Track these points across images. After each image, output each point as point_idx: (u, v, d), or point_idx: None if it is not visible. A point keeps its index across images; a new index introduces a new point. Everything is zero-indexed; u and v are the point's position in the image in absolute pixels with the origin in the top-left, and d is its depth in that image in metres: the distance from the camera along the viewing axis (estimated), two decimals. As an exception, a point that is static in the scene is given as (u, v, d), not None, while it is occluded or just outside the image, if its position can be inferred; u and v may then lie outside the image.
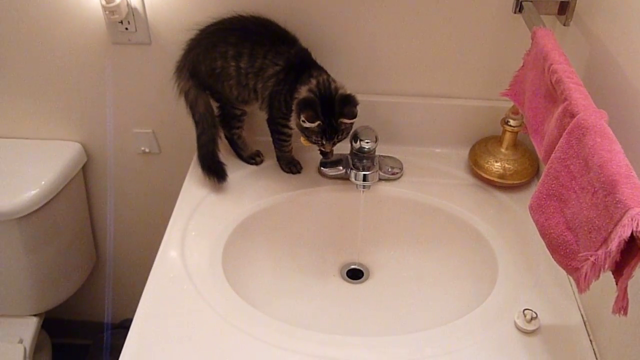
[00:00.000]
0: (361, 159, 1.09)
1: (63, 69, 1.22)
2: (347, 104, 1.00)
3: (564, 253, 0.74)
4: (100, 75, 1.22)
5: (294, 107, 1.01)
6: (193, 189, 1.13)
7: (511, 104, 1.11)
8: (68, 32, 1.16)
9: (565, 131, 0.74)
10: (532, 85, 0.92)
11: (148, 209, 1.43)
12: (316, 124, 0.99)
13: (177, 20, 1.13)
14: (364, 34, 1.13)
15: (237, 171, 1.17)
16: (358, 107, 1.01)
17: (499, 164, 1.11)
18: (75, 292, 1.47)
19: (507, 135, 1.11)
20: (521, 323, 0.88)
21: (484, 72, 1.15)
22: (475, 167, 1.14)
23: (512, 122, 1.09)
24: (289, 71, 1.03)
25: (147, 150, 1.31)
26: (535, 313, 0.89)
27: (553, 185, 0.76)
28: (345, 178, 1.13)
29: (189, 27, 1.07)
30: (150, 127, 1.29)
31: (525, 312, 0.89)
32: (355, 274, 1.15)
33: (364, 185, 1.08)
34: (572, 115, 0.75)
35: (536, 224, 0.79)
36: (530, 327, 0.88)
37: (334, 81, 1.02)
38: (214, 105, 1.14)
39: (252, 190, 1.13)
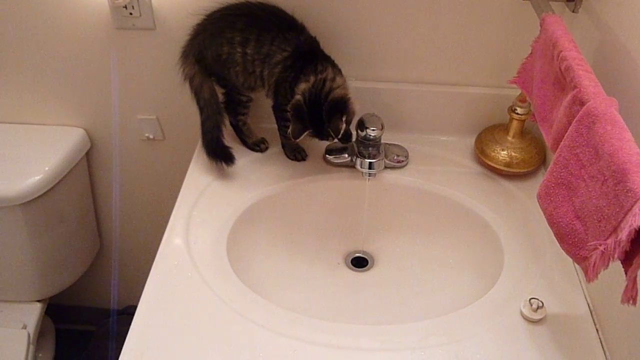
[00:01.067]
0: (367, 147, 1.08)
1: (66, 55, 1.21)
2: (333, 115, 0.99)
3: (572, 242, 0.73)
4: (104, 60, 1.21)
5: (291, 103, 1.01)
6: (197, 176, 1.12)
7: (518, 91, 1.10)
8: (71, 17, 1.15)
9: (575, 119, 0.73)
10: (540, 72, 0.91)
11: (152, 195, 1.43)
12: (305, 134, 1.00)
13: (182, 5, 1.12)
14: (370, 21, 1.11)
15: (241, 158, 1.16)
16: (355, 106, 1.01)
17: (505, 152, 1.10)
18: (78, 278, 1.47)
19: (514, 124, 1.10)
20: (527, 312, 0.88)
21: (491, 60, 1.14)
22: (481, 155, 1.13)
23: (519, 110, 1.08)
24: (297, 59, 1.02)
25: (151, 136, 1.31)
26: (542, 302, 0.88)
27: (562, 174, 0.75)
28: (350, 166, 1.13)
29: (194, 12, 1.06)
30: (154, 113, 1.28)
31: (532, 300, 0.88)
32: (359, 262, 1.15)
33: (369, 173, 1.07)
34: (582, 103, 0.74)
35: (544, 213, 0.79)
36: (537, 316, 0.87)
37: (332, 79, 1.00)
38: (220, 91, 1.13)
39: (256, 177, 1.13)
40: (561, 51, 0.82)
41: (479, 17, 1.09)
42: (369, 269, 1.14)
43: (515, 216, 1.05)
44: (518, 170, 1.10)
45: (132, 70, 1.22)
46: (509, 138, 1.11)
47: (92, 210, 1.46)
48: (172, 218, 1.04)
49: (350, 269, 1.14)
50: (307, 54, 1.03)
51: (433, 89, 1.17)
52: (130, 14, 1.12)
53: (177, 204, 1.06)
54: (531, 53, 0.96)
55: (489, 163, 1.11)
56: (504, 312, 0.89)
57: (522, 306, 0.89)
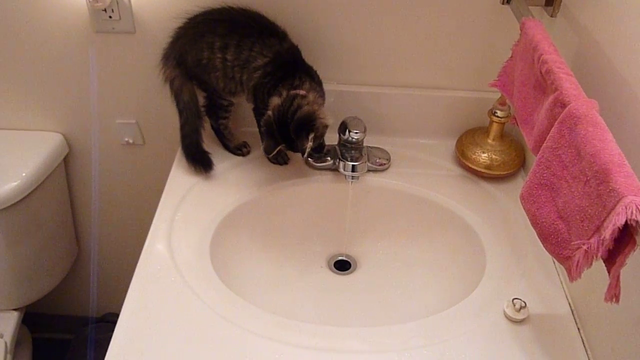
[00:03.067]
0: (349, 150, 1.08)
1: (44, 58, 1.19)
2: (299, 134, 0.99)
3: (556, 242, 0.74)
4: (83, 64, 1.19)
5: (263, 120, 1.02)
6: (179, 180, 1.11)
7: (498, 95, 1.12)
8: (50, 19, 1.13)
9: (557, 121, 0.75)
10: (521, 75, 0.92)
11: (132, 200, 1.41)
12: (277, 149, 1.01)
13: (163, 9, 1.11)
14: (351, 25, 1.12)
15: (223, 162, 1.15)
16: (327, 120, 1.01)
17: (485, 154, 1.11)
18: (56, 285, 1.44)
19: (494, 126, 1.11)
20: (510, 312, 0.89)
21: (471, 63, 1.15)
22: (462, 158, 1.14)
23: (499, 113, 1.09)
24: (277, 67, 1.02)
25: (130, 141, 1.29)
26: (524, 302, 0.89)
27: (544, 175, 0.76)
28: (332, 169, 1.13)
29: (175, 16, 1.05)
30: (134, 117, 1.27)
31: (515, 301, 0.89)
32: (342, 265, 1.15)
33: (352, 176, 1.07)
34: (563, 105, 0.75)
35: (527, 214, 0.80)
36: (519, 316, 0.88)
37: (304, 96, 0.99)
38: (201, 94, 1.13)
39: (238, 181, 1.12)
40: (542, 54, 0.84)
41: (459, 21, 1.10)
42: (352, 272, 1.14)
43: (497, 218, 1.06)
44: (499, 173, 1.11)
45: (112, 74, 1.20)
46: (489, 141, 1.13)
47: (70, 217, 1.44)
48: (154, 222, 1.03)
49: (334, 272, 1.14)
50: (288, 63, 1.03)
51: (414, 92, 1.18)
52: (110, 17, 1.11)
53: (159, 208, 1.05)
54: (511, 56, 0.97)
55: (470, 165, 1.13)
56: (487, 312, 0.90)
57: (505, 306, 0.90)
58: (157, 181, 1.34)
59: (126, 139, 1.29)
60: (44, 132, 1.30)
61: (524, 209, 0.81)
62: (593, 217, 0.66)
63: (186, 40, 1.05)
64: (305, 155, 1.00)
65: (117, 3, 1.09)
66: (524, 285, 0.95)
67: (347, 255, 1.16)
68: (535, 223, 0.78)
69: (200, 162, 1.12)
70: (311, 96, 1.00)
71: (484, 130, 1.14)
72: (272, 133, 1.00)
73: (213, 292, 0.91)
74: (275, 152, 1.02)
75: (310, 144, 0.99)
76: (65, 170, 1.36)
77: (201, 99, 1.13)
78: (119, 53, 1.17)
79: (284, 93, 0.99)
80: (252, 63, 1.02)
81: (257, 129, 1.14)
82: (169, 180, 1.11)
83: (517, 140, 1.15)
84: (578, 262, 0.68)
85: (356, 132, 1.05)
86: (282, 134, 0.99)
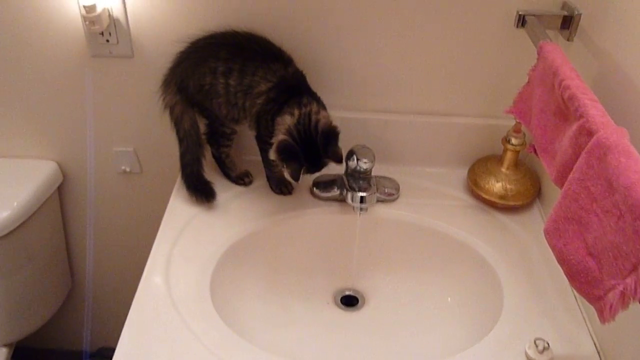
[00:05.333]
0: (357, 180, 1.03)
1: (38, 83, 1.14)
2: (329, 143, 0.94)
3: (585, 280, 0.68)
4: (79, 89, 1.14)
5: (274, 144, 0.95)
6: (178, 211, 1.06)
7: (512, 121, 1.07)
8: (45, 43, 1.09)
9: (584, 150, 0.69)
10: (539, 102, 0.87)
11: (128, 231, 1.35)
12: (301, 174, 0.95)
13: (162, 33, 1.07)
14: (357, 49, 1.08)
15: (225, 192, 1.10)
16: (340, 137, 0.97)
17: (500, 184, 1.06)
18: (48, 320, 1.38)
19: (509, 155, 1.06)
20: (533, 354, 0.82)
21: (484, 89, 1.11)
22: (475, 187, 1.09)
23: (514, 141, 1.04)
24: (281, 92, 0.97)
25: (127, 169, 1.24)
26: (547, 343, 0.83)
27: (572, 208, 0.71)
28: (339, 200, 1.08)
29: (175, 40, 1.01)
30: (132, 145, 1.22)
31: (537, 341, 0.83)
32: (349, 301, 1.09)
33: (361, 208, 1.02)
34: (590, 134, 0.70)
35: (553, 250, 0.74)
36: (543, 358, 0.82)
37: (317, 112, 0.95)
38: (202, 122, 1.08)
39: (240, 212, 1.07)
40: (563, 80, 0.79)
41: (471, 46, 1.06)
42: (359, 308, 1.08)
43: (513, 251, 1.01)
44: (513, 203, 1.06)
45: (109, 99, 1.16)
46: (503, 170, 1.08)
47: (63, 248, 1.38)
48: (151, 256, 0.97)
49: (340, 308, 1.08)
50: (292, 88, 0.98)
51: (423, 119, 1.13)
52: (107, 40, 1.07)
53: (156, 240, 1.00)
54: (528, 82, 0.93)
55: (483, 195, 1.07)
56: (507, 354, 0.84)
57: (527, 347, 0.84)
58: (155, 211, 1.30)
59: (123, 168, 1.24)
60: (38, 159, 1.25)
61: (549, 244, 0.75)
62: (629, 254, 0.60)
63: (188, 65, 1.01)
64: (343, 161, 0.96)
65: (115, 26, 1.05)
66: (546, 323, 0.89)
67: (354, 290, 1.10)
68: (562, 260, 0.72)
69: (202, 192, 1.07)
70: (324, 113, 0.96)
71: (498, 159, 1.09)
72: (293, 155, 0.94)
73: (212, 332, 0.85)
74: (302, 176, 0.95)
75: (340, 150, 0.95)
76: (59, 200, 1.30)
77: (202, 126, 1.09)
78: (117, 78, 1.12)
79: (296, 112, 0.94)
80: (255, 88, 0.98)
81: (259, 158, 1.09)
82: (167, 210, 1.06)
83: (532, 169, 1.10)
84: (612, 304, 0.62)
85: (365, 162, 1.00)
86: (307, 152, 0.94)
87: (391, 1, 1.02)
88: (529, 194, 1.07)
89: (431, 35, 1.05)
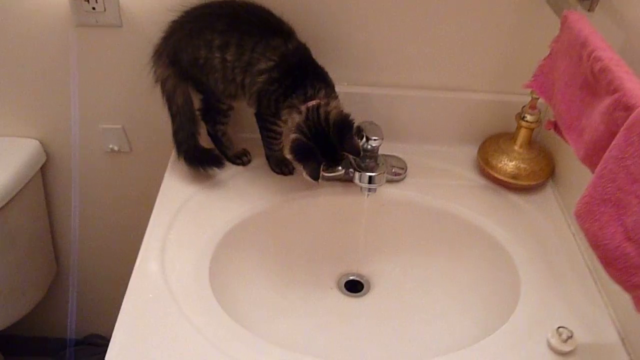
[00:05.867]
0: (363, 159, 0.97)
1: (18, 55, 1.06)
2: (345, 136, 0.89)
3: (622, 267, 0.63)
4: (62, 62, 1.06)
5: (288, 145, 0.91)
6: (172, 192, 0.99)
7: (526, 97, 1.02)
8: (23, 11, 1.00)
9: (623, 127, 0.64)
10: (564, 75, 0.82)
11: (116, 214, 1.28)
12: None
13: (153, 0, 0.98)
14: (361, 19, 1.01)
15: (222, 172, 1.03)
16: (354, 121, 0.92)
17: (513, 163, 1.01)
18: (34, 307, 1.30)
19: (523, 132, 1.01)
20: (556, 343, 0.78)
21: (495, 63, 1.04)
22: (486, 166, 1.03)
23: (529, 118, 0.99)
24: (284, 73, 0.91)
25: (115, 148, 1.16)
26: (571, 332, 0.79)
27: (608, 189, 0.65)
28: (344, 180, 1.01)
29: (169, 8, 0.93)
30: (120, 122, 1.14)
31: (560, 330, 0.79)
32: (354, 286, 1.04)
33: (369, 189, 0.95)
34: (627, 109, 0.64)
35: (586, 233, 0.69)
36: (567, 348, 0.78)
37: (326, 104, 0.90)
38: (196, 97, 1.01)
39: (239, 193, 1.00)
40: (593, 51, 0.73)
41: (483, 17, 0.99)
42: (364, 294, 1.02)
43: (528, 233, 0.96)
44: (528, 183, 1.01)
45: (95, 73, 1.08)
46: (516, 148, 1.02)
47: (47, 232, 1.30)
48: (145, 240, 0.90)
49: (345, 294, 1.02)
50: (296, 67, 0.92)
51: (431, 94, 1.07)
52: (93, 8, 0.98)
53: (150, 224, 0.93)
54: (550, 54, 0.87)
55: (495, 175, 1.02)
56: (528, 343, 0.79)
57: (549, 336, 0.79)
58: (145, 193, 1.23)
59: (111, 146, 1.16)
60: (18, 138, 1.17)
61: (582, 227, 0.70)
62: (677, 240, 0.55)
63: (181, 36, 0.94)
64: (361, 154, 0.92)
65: (102, -8, 0.97)
66: (566, 310, 0.84)
67: (358, 275, 1.05)
68: (596, 245, 0.67)
69: (207, 162, 1.01)
70: (333, 103, 0.90)
71: (510, 137, 1.04)
72: (308, 153, 0.89)
73: (213, 322, 0.79)
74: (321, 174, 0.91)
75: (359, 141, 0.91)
76: (42, 181, 1.22)
77: (196, 102, 1.01)
78: (104, 50, 1.04)
79: (302, 108, 0.89)
80: (255, 66, 0.91)
81: (257, 136, 1.03)
82: (160, 192, 0.99)
83: (545, 147, 1.05)
84: (655, 293, 0.58)
85: (375, 139, 0.94)
86: (322, 148, 0.89)
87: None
88: (543, 174, 1.02)
89: (440, 5, 0.99)
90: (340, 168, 1.00)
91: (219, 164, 1.02)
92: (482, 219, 0.98)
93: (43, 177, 1.22)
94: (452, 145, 1.11)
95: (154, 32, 0.97)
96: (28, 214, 1.21)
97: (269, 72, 0.91)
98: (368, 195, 0.96)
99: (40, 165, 1.18)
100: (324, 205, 1.02)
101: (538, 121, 0.99)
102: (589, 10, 0.92)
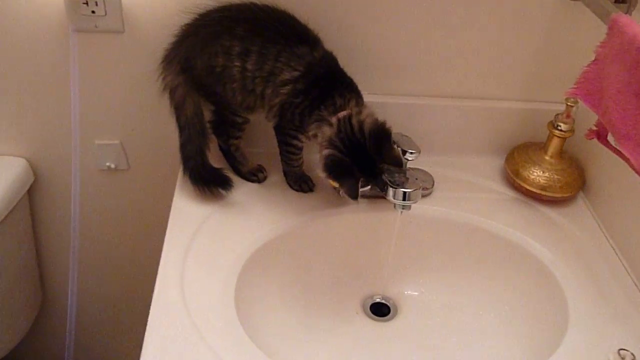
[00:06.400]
0: (392, 173, 0.90)
1: (6, 63, 0.95)
2: (382, 145, 0.82)
3: None
4: (56, 71, 0.96)
5: (320, 162, 0.83)
6: (185, 215, 0.90)
7: (555, 106, 0.98)
8: (14, 14, 0.90)
9: None
10: (616, 82, 0.77)
11: (113, 238, 1.17)
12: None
13: (161, 3, 0.90)
14: (381, 25, 0.95)
15: (236, 189, 0.95)
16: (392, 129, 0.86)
17: (545, 174, 0.96)
18: (20, 340, 1.18)
19: (555, 142, 0.96)
20: (620, 368, 0.73)
21: (522, 70, 1.00)
22: (516, 178, 0.98)
23: (563, 127, 0.94)
24: (310, 83, 0.84)
25: (112, 166, 1.06)
26: (633, 354, 0.74)
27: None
28: (367, 196, 0.94)
29: (181, 9, 0.85)
30: (117, 137, 1.04)
31: (622, 353, 0.74)
32: (380, 309, 0.97)
33: (403, 206, 0.88)
34: None
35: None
36: (630, 373, 0.73)
37: (358, 113, 0.83)
38: (208, 108, 0.93)
39: (258, 214, 0.92)
40: (655, 55, 0.69)
41: (511, 20, 0.95)
42: (391, 318, 0.96)
43: (566, 248, 0.91)
44: (560, 195, 0.96)
45: (92, 84, 0.98)
46: (547, 158, 0.98)
47: (33, 258, 1.18)
48: (161, 268, 0.81)
49: (371, 318, 0.95)
50: (323, 77, 0.84)
51: (455, 103, 1.02)
52: (93, 12, 0.89)
53: (165, 250, 0.84)
54: (595, 60, 0.82)
55: (526, 187, 0.97)
56: (589, 370, 0.74)
57: (611, 359, 0.74)
58: (145, 214, 1.13)
59: (107, 164, 1.06)
60: (3, 156, 1.06)
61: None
62: None
63: (196, 41, 0.85)
64: (406, 166, 0.85)
65: (103, -6, 0.88)
66: (621, 331, 0.79)
67: (385, 298, 0.98)
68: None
69: (214, 182, 0.92)
70: (365, 111, 0.83)
71: (540, 147, 0.99)
72: (346, 170, 0.81)
73: (243, 356, 0.71)
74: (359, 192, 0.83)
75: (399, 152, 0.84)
76: (29, 204, 1.11)
77: (207, 114, 0.93)
78: (102, 57, 0.95)
79: (333, 120, 0.82)
80: (278, 76, 0.84)
81: (271, 151, 0.96)
82: (172, 213, 0.90)
83: (575, 158, 1.00)
84: None
85: (412, 153, 0.87)
86: (359, 162, 0.81)
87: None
88: (576, 185, 0.97)
89: (467, 9, 0.93)
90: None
91: (227, 185, 0.93)
92: (516, 233, 0.93)
93: (30, 199, 1.11)
94: (477, 156, 1.06)
95: (160, 38, 0.89)
96: (14, 240, 1.09)
97: (293, 83, 0.84)
98: (402, 212, 0.90)
99: (28, 187, 1.07)
100: (349, 224, 0.95)
101: (572, 130, 0.95)
102: (626, 13, 0.89)
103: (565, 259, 0.89)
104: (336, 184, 0.85)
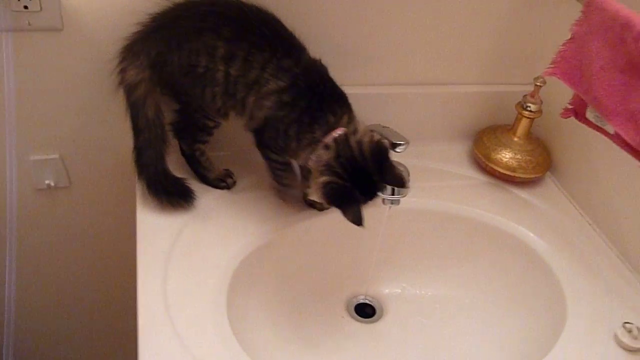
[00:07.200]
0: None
1: None
2: (383, 165, 0.75)
3: None
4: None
5: (318, 189, 0.75)
6: (154, 233, 0.80)
7: (517, 87, 0.98)
8: None
9: None
10: (598, 59, 0.77)
11: (55, 265, 1.02)
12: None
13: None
14: (344, 14, 0.89)
15: (202, 197, 0.86)
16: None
17: (518, 156, 0.96)
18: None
19: (524, 123, 0.96)
20: (628, 340, 0.74)
21: (487, 53, 0.98)
22: (488, 161, 0.97)
23: (532, 107, 0.94)
24: (297, 95, 0.76)
25: (52, 184, 0.92)
26: (638, 327, 0.75)
27: None
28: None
29: (132, 10, 0.75)
30: (57, 150, 0.90)
31: (627, 325, 0.75)
32: (364, 310, 0.93)
33: (392, 201, 0.84)
34: None
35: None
36: (638, 344, 0.74)
37: (354, 131, 0.76)
38: (169, 108, 0.83)
39: (234, 223, 0.84)
40: (641, 30, 0.70)
41: (473, 5, 0.93)
42: (378, 319, 0.92)
43: (547, 227, 0.91)
44: (534, 175, 0.97)
45: (25, 91, 0.84)
46: (516, 139, 0.98)
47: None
48: (140, 299, 0.71)
49: (357, 320, 0.91)
50: (309, 89, 0.76)
51: (420, 90, 0.99)
52: (26, 7, 0.75)
53: (140, 276, 0.74)
54: (572, 38, 0.82)
55: (499, 170, 0.96)
56: (595, 345, 0.74)
57: (618, 334, 0.75)
58: (91, 236, 1.00)
59: (47, 182, 0.92)
60: None
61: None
62: None
63: (173, 35, 0.76)
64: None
65: (38, -15, 0.75)
66: (618, 305, 0.80)
67: (373, 298, 0.94)
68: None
69: (176, 194, 0.84)
70: (361, 127, 0.77)
71: (507, 129, 0.99)
72: (349, 196, 0.74)
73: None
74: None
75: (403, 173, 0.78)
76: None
77: (167, 115, 0.83)
78: (37, 60, 0.81)
79: (328, 141, 0.74)
80: (263, 87, 0.75)
81: (238, 152, 0.90)
82: (138, 232, 0.80)
83: (541, 138, 1.01)
84: None
85: (401, 144, 0.82)
86: (361, 185, 0.74)
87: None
88: (545, 165, 0.98)
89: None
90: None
91: (189, 198, 0.85)
92: (496, 217, 0.93)
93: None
94: (443, 142, 1.04)
95: (105, 35, 0.80)
96: None
97: (278, 94, 0.75)
98: (390, 207, 0.85)
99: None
100: (328, 225, 0.89)
101: (540, 111, 0.95)
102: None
103: (546, 237, 0.90)
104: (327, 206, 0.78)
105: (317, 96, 0.76)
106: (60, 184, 0.93)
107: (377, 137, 0.77)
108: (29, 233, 0.97)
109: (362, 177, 0.74)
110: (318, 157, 0.75)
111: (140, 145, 0.82)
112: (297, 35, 0.79)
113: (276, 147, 0.79)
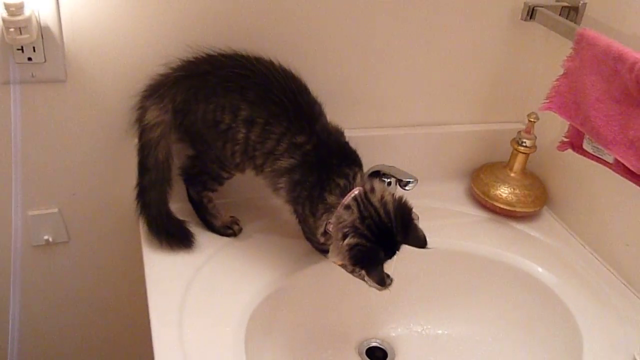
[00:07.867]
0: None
1: None
2: (407, 225, 0.74)
3: None
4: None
5: (343, 252, 0.72)
6: (164, 281, 0.78)
7: (510, 125, 1.01)
8: None
9: None
10: (593, 91, 0.80)
11: (54, 321, 0.98)
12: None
13: (114, 47, 0.79)
14: (341, 60, 0.92)
15: (210, 243, 0.85)
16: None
17: (517, 191, 0.98)
18: None
19: (520, 158, 0.98)
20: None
21: (481, 93, 1.02)
22: (487, 198, 0.99)
23: (527, 143, 0.97)
24: (308, 171, 0.76)
25: (50, 239, 0.89)
26: (653, 354, 0.75)
27: None
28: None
29: (134, 56, 0.75)
30: (56, 204, 0.88)
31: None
32: (374, 353, 0.91)
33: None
34: None
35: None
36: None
37: (371, 190, 0.74)
38: (184, 153, 0.84)
39: (244, 270, 0.83)
40: (636, 63, 0.73)
41: (466, 49, 0.96)
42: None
43: (554, 260, 0.92)
44: (533, 209, 0.98)
45: (27, 141, 0.82)
46: (513, 175, 1.00)
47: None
48: (157, 351, 0.68)
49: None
50: (319, 163, 0.76)
51: (417, 131, 1.01)
52: (30, 59, 0.75)
53: (154, 326, 0.71)
54: (565, 73, 0.86)
55: (499, 205, 0.98)
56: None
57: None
58: (92, 293, 0.97)
59: (45, 237, 0.89)
60: None
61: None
62: None
63: (202, 86, 0.77)
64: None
65: (43, 37, 0.74)
66: (631, 332, 0.81)
67: (383, 341, 0.92)
68: None
69: (176, 236, 0.84)
70: (377, 186, 0.75)
71: (503, 165, 1.01)
72: (374, 257, 0.72)
73: None
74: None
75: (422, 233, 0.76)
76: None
77: (177, 160, 0.84)
78: (39, 112, 0.80)
79: (349, 202, 0.73)
80: (277, 161, 0.76)
81: (243, 199, 0.91)
82: (148, 280, 0.78)
83: (535, 173, 1.03)
84: None
85: (411, 181, 0.83)
86: (385, 245, 0.72)
87: (382, 4, 0.88)
88: (543, 198, 1.00)
89: (420, 36, 0.93)
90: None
91: (188, 243, 0.84)
92: (502, 253, 0.94)
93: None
94: (442, 181, 1.05)
95: (109, 87, 0.80)
96: None
97: (289, 173, 0.76)
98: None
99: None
100: (339, 268, 0.88)
101: (534, 146, 0.97)
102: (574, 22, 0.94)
103: (556, 271, 0.90)
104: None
105: (326, 168, 0.76)
106: (60, 239, 0.90)
107: (398, 195, 0.76)
108: (25, 293, 0.93)
109: (387, 237, 0.72)
110: (338, 218, 0.73)
111: (145, 184, 0.81)
112: (315, 96, 0.80)
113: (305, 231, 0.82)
